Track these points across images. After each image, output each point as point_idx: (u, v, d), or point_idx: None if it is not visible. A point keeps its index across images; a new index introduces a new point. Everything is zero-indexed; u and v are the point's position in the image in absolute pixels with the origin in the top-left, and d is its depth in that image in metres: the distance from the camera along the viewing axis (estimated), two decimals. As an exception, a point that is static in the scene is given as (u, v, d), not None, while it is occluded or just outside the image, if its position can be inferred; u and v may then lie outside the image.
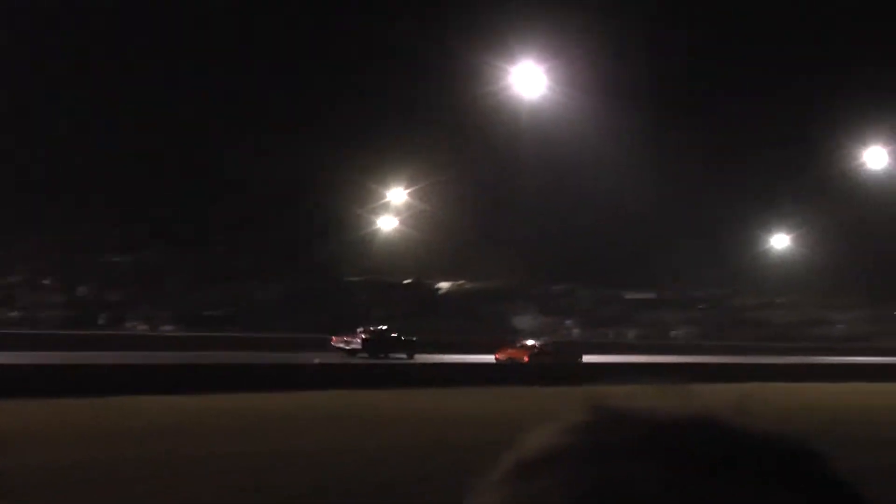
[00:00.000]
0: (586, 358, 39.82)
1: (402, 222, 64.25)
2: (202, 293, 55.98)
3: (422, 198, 62.73)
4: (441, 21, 63.10)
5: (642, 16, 65.91)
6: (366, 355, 38.36)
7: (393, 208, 63.75)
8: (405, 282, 65.18)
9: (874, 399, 30.77)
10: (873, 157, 70.26)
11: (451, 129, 62.82)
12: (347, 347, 39.88)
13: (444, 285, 67.28)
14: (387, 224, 64.57)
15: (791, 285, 73.40)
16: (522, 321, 62.48)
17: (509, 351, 40.57)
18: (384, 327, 42.55)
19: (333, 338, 41.17)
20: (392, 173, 62.16)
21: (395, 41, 60.24)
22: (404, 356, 38.75)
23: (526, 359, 39.05)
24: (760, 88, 73.98)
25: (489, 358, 38.45)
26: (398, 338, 41.09)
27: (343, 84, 64.08)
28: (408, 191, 62.84)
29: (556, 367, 34.15)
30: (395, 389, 25.80)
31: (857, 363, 48.56)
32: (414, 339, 41.07)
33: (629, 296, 69.84)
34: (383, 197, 63.25)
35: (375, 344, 39.79)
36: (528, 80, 61.14)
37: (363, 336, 40.35)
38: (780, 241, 75.72)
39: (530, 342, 42.52)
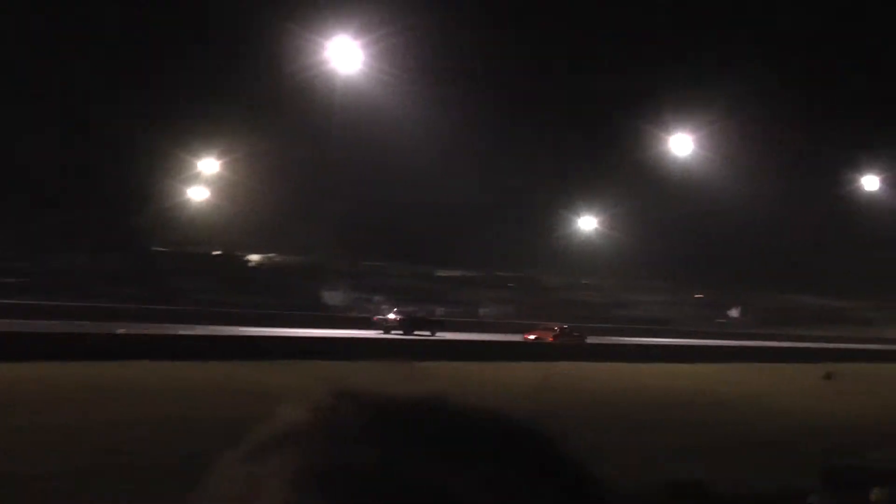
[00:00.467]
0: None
1: (213, 193, 69.10)
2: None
3: (234, 170, 67.70)
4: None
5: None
6: (401, 332, 47.38)
7: (204, 179, 68.53)
8: (214, 253, 70.01)
9: (662, 380, 35.67)
10: (678, 144, 79.44)
11: (266, 101, 67.82)
12: (386, 324, 48.96)
13: (254, 258, 72.46)
14: (197, 195, 69.29)
15: (598, 267, 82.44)
16: (333, 297, 68.20)
17: (538, 332, 51.49)
18: (414, 308, 53.65)
19: (375, 317, 51.45)
20: (205, 144, 66.77)
21: (211, 12, 64.81)
22: (429, 333, 47.78)
23: (551, 338, 49.97)
24: (571, 74, 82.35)
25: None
26: (425, 318, 51.30)
27: (156, 54, 68.12)
28: (220, 162, 67.75)
29: (574, 347, 46.22)
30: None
31: (658, 344, 55.46)
32: (440, 320, 51.73)
33: (440, 273, 76.99)
34: (195, 167, 67.90)
35: (409, 322, 49.14)
36: (345, 55, 66.72)
37: (399, 316, 49.89)
38: (587, 225, 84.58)
39: (555, 326, 53.54)
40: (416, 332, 48.00)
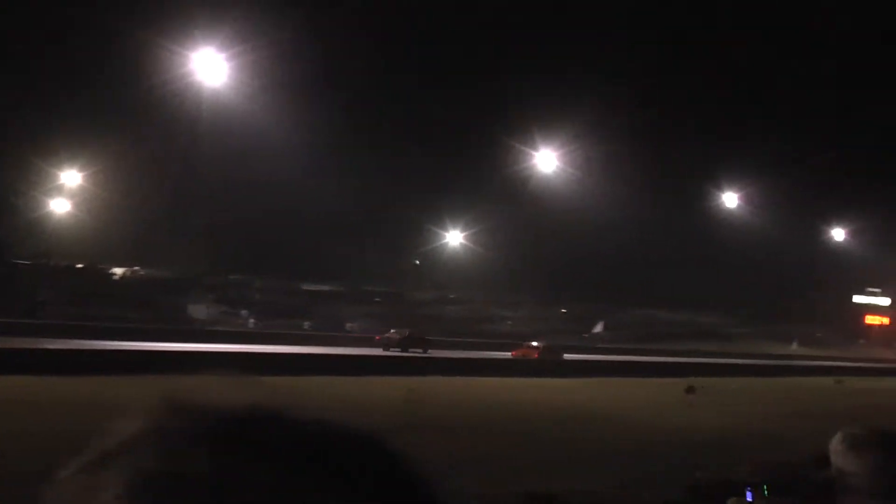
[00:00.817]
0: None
1: (75, 206, 72.22)
2: None
3: (98, 182, 71.05)
4: (126, 4, 71.60)
5: (329, 9, 77.64)
6: (398, 350, 56.44)
7: (67, 191, 71.72)
8: (77, 266, 72.90)
9: (527, 393, 38.38)
10: (544, 161, 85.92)
11: (130, 113, 71.22)
12: (388, 343, 58.55)
13: (118, 271, 75.52)
14: (59, 207, 72.38)
15: (465, 282, 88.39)
16: (198, 310, 71.64)
17: (523, 349, 59.64)
18: (409, 330, 61.81)
19: (377, 336, 60.33)
20: (68, 156, 69.90)
21: (75, 26, 68.06)
22: (421, 351, 56.74)
23: (536, 355, 57.84)
24: (439, 88, 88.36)
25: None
26: (420, 337, 60.12)
27: (18, 65, 70.94)
28: (82, 174, 71.09)
29: (552, 362, 54.31)
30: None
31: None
32: (429, 338, 60.28)
33: (307, 287, 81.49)
34: (57, 179, 71.04)
35: (407, 341, 58.75)
36: (210, 68, 70.60)
37: (398, 336, 59.60)
38: (454, 239, 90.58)
39: (535, 343, 62.02)
40: (410, 350, 57.33)
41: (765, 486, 9.85)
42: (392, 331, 61.85)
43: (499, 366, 50.70)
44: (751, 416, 36.30)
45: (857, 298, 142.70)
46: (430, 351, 57.10)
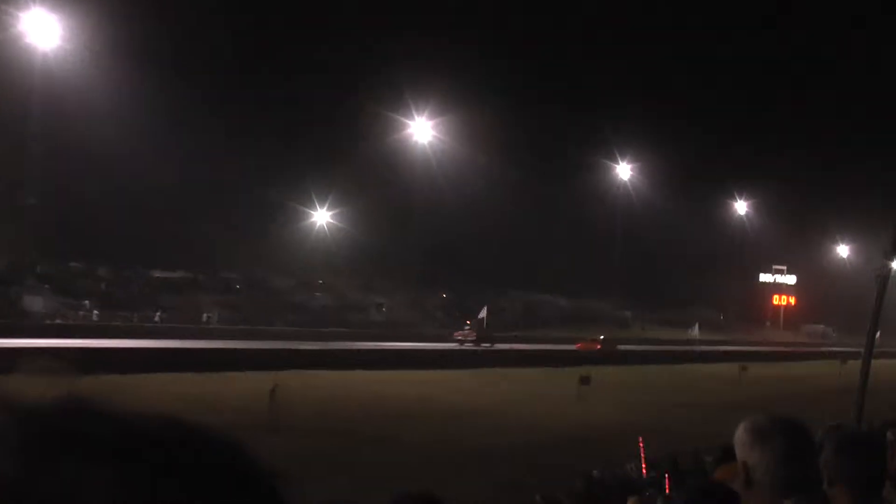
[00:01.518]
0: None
1: None
2: None
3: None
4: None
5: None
6: (471, 344, 71.70)
7: None
8: None
9: (400, 388, 40.00)
10: (420, 131, 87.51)
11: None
12: (465, 339, 73.49)
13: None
14: None
15: (331, 267, 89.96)
16: (34, 302, 71.60)
17: (587, 342, 74.61)
18: (485, 326, 77.43)
19: (456, 333, 75.36)
20: None
21: None
22: (489, 345, 71.07)
23: (598, 346, 73.36)
24: (305, 63, 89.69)
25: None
26: (490, 334, 75.23)
27: None
28: None
29: (611, 352, 70.16)
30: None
31: (399, 349, 61.00)
32: (494, 334, 75.70)
33: (157, 275, 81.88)
34: None
35: (480, 338, 73.73)
36: (43, 29, 70.71)
37: (474, 332, 75.49)
38: (322, 219, 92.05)
39: (600, 336, 78.88)
40: (483, 344, 71.59)
41: (665, 485, 11.98)
42: (466, 327, 77.60)
43: (365, 359, 52.22)
44: (649, 407, 38.62)
45: (763, 277, 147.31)
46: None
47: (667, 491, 12.03)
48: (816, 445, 3.38)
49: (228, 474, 0.70)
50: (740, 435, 3.16)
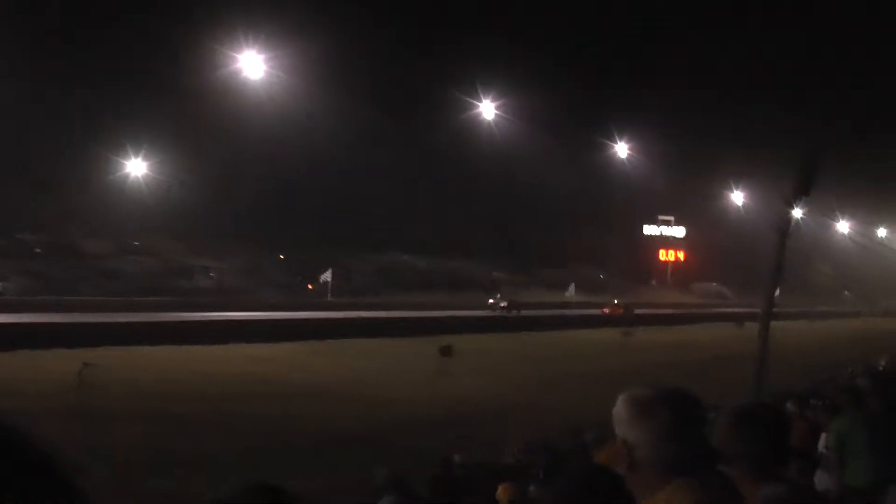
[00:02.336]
0: None
1: None
2: None
3: None
4: None
5: None
6: (504, 311, 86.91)
7: None
8: None
9: (234, 365, 40.12)
10: (249, 65, 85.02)
11: None
12: (501, 305, 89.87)
13: None
14: None
15: (151, 227, 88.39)
16: None
17: (612, 308, 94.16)
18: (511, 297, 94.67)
19: (490, 300, 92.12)
20: None
21: None
22: (516, 312, 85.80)
23: (622, 311, 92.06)
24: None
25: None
26: (518, 301, 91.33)
27: None
28: None
29: (630, 317, 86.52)
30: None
31: (228, 320, 60.69)
32: (521, 301, 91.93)
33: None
34: None
35: (513, 305, 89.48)
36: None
37: (507, 300, 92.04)
38: (137, 170, 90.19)
39: (622, 301, 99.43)
40: (512, 312, 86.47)
41: (541, 472, 12.19)
42: (498, 297, 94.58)
43: (191, 333, 51.36)
44: (518, 381, 39.43)
45: (647, 230, 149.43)
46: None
47: (541, 476, 12.12)
48: (707, 420, 3.34)
49: (2, 463, 0.70)
50: (619, 410, 3.15)
